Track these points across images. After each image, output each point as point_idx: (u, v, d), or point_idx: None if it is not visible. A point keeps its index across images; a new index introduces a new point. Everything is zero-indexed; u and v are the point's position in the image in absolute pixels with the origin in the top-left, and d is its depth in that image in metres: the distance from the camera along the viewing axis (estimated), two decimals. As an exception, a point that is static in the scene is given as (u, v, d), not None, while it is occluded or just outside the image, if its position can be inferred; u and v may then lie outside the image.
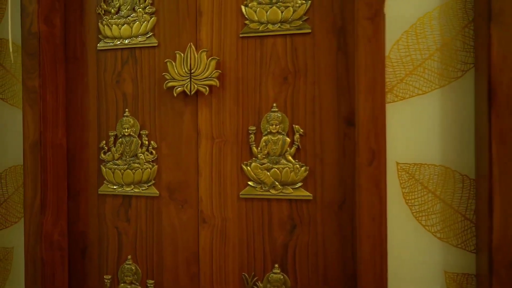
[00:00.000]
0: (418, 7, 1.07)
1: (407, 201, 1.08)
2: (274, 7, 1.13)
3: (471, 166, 1.04)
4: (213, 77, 1.15)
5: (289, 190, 1.13)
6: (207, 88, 1.16)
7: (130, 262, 1.28)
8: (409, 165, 1.08)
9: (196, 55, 1.17)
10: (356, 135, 0.98)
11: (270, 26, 1.14)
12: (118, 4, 1.28)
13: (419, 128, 1.07)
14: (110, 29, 1.28)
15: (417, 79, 1.07)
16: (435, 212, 1.07)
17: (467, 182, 1.05)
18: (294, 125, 1.13)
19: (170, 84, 1.19)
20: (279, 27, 1.13)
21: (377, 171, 0.97)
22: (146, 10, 1.24)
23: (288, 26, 1.13)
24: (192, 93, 1.17)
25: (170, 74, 1.19)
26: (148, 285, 1.26)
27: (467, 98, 1.04)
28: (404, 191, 1.08)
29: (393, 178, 1.09)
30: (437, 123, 1.06)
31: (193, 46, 1.17)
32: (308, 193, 1.12)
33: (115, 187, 1.29)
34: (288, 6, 1.13)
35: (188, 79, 1.17)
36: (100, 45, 1.30)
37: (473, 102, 1.03)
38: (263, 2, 1.15)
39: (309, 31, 1.12)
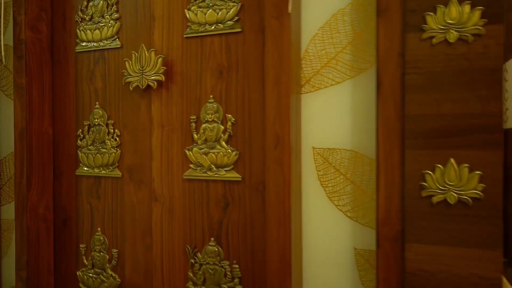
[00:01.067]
0: (332, 4, 1.17)
1: (321, 183, 1.18)
2: (211, 9, 1.28)
3: (377, 150, 1.12)
4: (160, 73, 1.32)
5: (222, 172, 1.28)
6: (155, 83, 1.33)
7: (100, 234, 1.49)
8: (323, 149, 1.18)
9: (147, 54, 1.34)
10: (265, 122, 1.10)
11: (208, 27, 1.29)
12: (91, 12, 1.49)
13: (332, 116, 1.17)
14: (85, 34, 1.49)
15: (331, 71, 1.17)
16: (346, 193, 1.16)
17: (374, 165, 1.13)
18: (227, 114, 1.27)
19: (128, 79, 1.37)
20: (215, 27, 1.28)
21: (281, 154, 1.08)
22: (112, 17, 1.44)
23: (222, 26, 1.27)
24: (143, 87, 1.35)
25: (128, 71, 1.37)
26: (113, 253, 1.46)
27: (373, 87, 1.12)
28: (319, 173, 1.19)
29: (309, 162, 1.19)
30: (348, 111, 1.15)
31: (144, 47, 1.35)
32: (238, 175, 1.26)
33: (88, 169, 1.50)
34: (222, 8, 1.27)
35: (141, 75, 1.35)
36: (78, 48, 1.52)
37: (378, 91, 1.11)
38: (202, 5, 1.29)
39: (240, 30, 1.25)
